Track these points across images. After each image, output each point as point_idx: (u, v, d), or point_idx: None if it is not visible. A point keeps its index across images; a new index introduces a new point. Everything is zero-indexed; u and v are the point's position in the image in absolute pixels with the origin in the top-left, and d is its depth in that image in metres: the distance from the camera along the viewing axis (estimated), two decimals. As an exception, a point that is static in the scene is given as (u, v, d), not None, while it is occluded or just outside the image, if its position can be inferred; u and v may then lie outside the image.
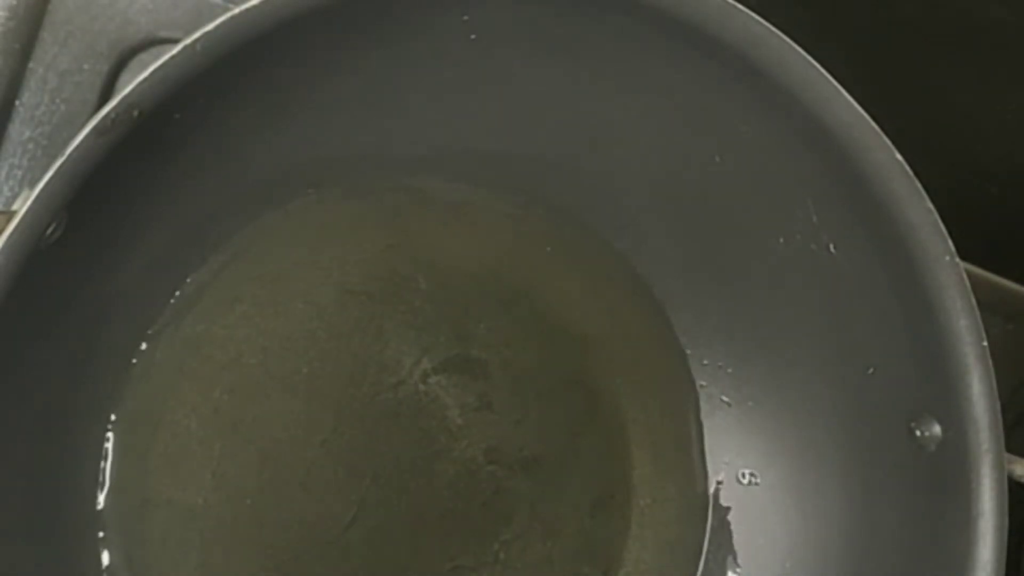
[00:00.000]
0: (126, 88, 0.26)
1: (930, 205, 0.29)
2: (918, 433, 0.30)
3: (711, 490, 0.36)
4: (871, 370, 0.32)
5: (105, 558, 0.32)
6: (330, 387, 0.34)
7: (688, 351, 0.36)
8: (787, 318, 0.34)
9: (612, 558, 0.35)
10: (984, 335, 0.29)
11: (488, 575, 0.35)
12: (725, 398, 0.36)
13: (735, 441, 0.36)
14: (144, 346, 0.33)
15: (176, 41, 0.26)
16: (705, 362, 0.36)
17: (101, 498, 0.32)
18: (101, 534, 0.32)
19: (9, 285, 0.25)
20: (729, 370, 0.36)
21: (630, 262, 0.36)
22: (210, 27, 0.26)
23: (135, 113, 0.26)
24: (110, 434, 0.32)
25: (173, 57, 0.26)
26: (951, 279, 0.29)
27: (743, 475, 0.36)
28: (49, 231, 0.26)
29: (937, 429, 0.30)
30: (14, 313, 0.26)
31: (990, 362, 0.29)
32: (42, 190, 0.25)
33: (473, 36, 0.30)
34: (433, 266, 0.35)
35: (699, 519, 0.36)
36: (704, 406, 0.36)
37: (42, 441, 0.30)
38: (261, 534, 0.33)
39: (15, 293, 0.26)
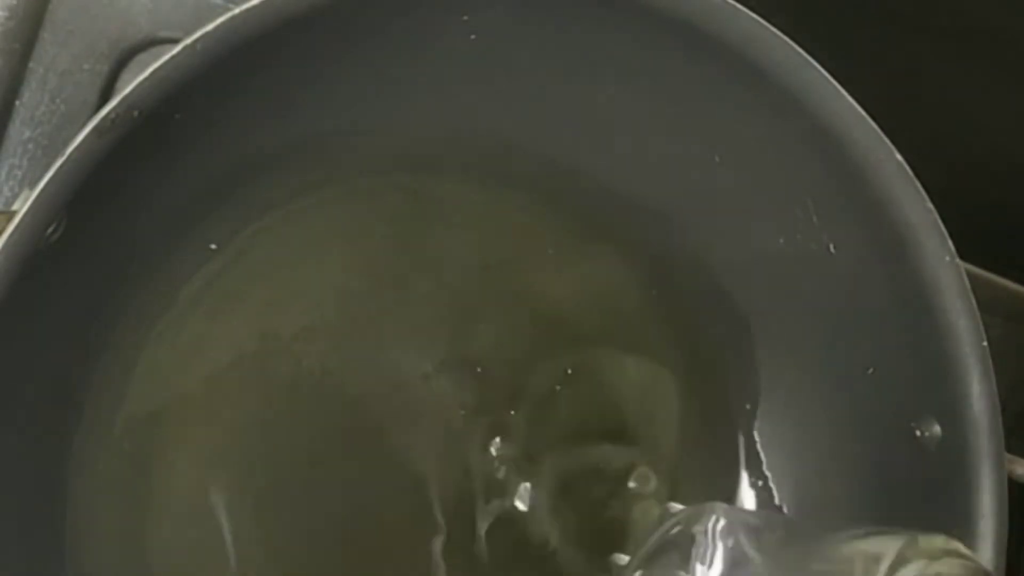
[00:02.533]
0: (126, 88, 0.26)
1: (930, 205, 0.29)
2: (918, 433, 0.30)
3: (711, 490, 0.36)
4: (871, 370, 0.32)
5: (106, 558, 0.32)
6: (331, 388, 0.34)
7: (689, 351, 0.36)
8: (787, 318, 0.34)
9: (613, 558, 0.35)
10: (984, 335, 0.29)
11: (488, 575, 0.35)
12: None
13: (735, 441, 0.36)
14: (145, 346, 0.33)
15: (176, 41, 0.26)
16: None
17: (102, 500, 0.32)
18: (102, 535, 0.32)
19: (9, 285, 0.26)
20: (729, 370, 0.36)
21: (631, 262, 0.36)
22: (210, 27, 0.26)
23: (135, 113, 0.26)
24: (111, 435, 0.32)
25: (173, 57, 0.26)
26: (951, 279, 0.29)
27: (743, 475, 0.36)
28: (49, 231, 0.26)
29: (937, 429, 0.30)
30: (14, 313, 0.26)
31: (990, 362, 0.29)
32: (42, 190, 0.25)
33: (473, 37, 0.30)
34: (433, 266, 0.35)
35: (699, 519, 0.36)
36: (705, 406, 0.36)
37: (41, 442, 0.30)
38: (261, 534, 0.33)
39: (15, 293, 0.26)
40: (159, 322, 0.33)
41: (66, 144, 0.26)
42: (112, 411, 0.32)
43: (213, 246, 0.33)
